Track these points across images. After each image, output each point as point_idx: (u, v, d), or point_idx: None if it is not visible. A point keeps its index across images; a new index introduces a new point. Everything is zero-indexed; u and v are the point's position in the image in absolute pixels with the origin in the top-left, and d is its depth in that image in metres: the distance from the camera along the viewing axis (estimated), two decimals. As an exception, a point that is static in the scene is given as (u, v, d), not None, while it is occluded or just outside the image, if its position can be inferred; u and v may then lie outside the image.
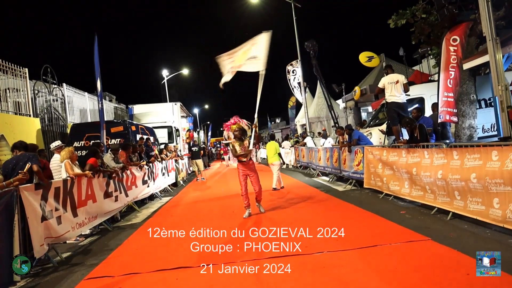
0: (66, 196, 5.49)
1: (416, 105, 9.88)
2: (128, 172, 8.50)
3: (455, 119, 8.01)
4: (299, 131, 23.88)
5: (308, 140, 16.31)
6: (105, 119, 10.58)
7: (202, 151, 17.23)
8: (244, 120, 6.95)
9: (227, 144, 7.35)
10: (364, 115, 23.53)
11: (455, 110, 7.97)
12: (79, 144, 10.31)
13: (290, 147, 18.20)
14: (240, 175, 6.73)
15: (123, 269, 4.26)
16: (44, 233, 4.68)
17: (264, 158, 27.95)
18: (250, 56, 6.88)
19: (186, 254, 4.49)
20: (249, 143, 6.71)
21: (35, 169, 4.94)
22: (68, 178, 5.76)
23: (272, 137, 11.87)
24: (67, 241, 5.68)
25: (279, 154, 10.29)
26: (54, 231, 4.91)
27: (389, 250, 4.11)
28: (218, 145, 47.71)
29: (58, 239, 5.05)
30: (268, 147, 10.44)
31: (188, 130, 21.03)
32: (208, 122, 47.43)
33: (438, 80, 8.34)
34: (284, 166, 16.98)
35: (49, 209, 4.91)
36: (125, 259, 4.85)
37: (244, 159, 6.68)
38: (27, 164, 4.79)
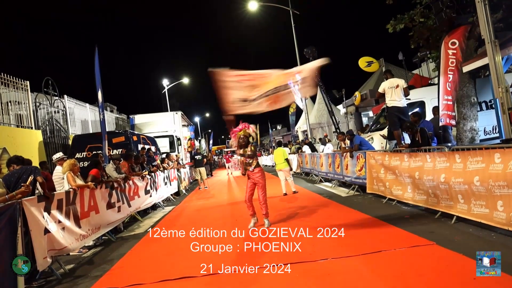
0: (69, 208, 5.48)
1: (416, 110, 9.88)
2: (131, 182, 8.49)
3: (454, 122, 8.02)
4: (300, 137, 23.88)
5: (305, 149, 16.30)
6: (107, 130, 10.62)
7: (205, 159, 17.28)
8: (252, 126, 6.64)
9: (233, 152, 7.07)
10: (365, 120, 23.55)
11: (454, 113, 7.98)
12: (81, 155, 10.35)
13: (289, 153, 18.22)
14: (248, 181, 6.56)
15: (127, 280, 4.24)
16: (47, 246, 4.67)
17: (265, 165, 27.99)
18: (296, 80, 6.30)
19: (189, 262, 4.49)
20: (252, 149, 6.49)
21: (40, 181, 4.94)
22: (71, 189, 5.76)
23: (279, 144, 11.83)
24: (71, 253, 5.67)
25: (287, 160, 10.17)
26: (58, 243, 4.89)
27: (393, 256, 4.08)
28: (219, 154, 47.72)
29: (61, 251, 5.03)
30: (276, 154, 10.34)
31: (190, 139, 21.05)
32: (210, 130, 47.52)
33: (438, 84, 8.36)
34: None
35: (52, 221, 4.90)
36: (128, 270, 4.83)
37: (250, 167, 6.47)
38: (30, 177, 4.80)
